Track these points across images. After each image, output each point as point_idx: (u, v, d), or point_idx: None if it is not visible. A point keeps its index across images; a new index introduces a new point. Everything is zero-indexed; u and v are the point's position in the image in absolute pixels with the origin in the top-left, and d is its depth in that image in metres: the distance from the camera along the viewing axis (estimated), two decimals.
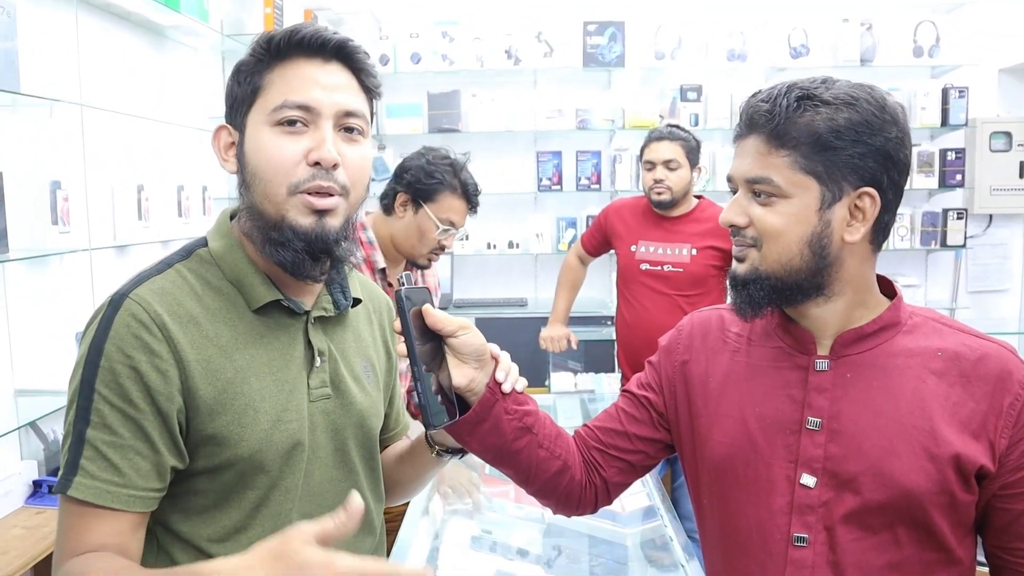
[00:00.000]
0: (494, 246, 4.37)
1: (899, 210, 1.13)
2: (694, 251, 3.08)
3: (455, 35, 4.19)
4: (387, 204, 2.29)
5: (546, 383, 3.65)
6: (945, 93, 4.12)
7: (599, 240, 3.38)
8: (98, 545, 0.96)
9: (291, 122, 1.04)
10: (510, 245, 4.39)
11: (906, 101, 4.12)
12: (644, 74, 4.33)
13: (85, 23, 2.75)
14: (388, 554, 1.63)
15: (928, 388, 1.08)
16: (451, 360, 1.11)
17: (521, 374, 1.17)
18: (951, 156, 4.15)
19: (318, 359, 1.13)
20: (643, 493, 2.36)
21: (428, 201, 2.21)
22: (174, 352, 1.01)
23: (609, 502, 1.30)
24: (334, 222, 1.06)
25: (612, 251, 3.38)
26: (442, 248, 2.27)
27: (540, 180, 4.33)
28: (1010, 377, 1.07)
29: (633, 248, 3.18)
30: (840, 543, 1.08)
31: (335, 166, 1.04)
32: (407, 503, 2.15)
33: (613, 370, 3.76)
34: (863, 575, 1.07)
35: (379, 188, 2.38)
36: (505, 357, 1.15)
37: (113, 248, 2.90)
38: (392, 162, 4.22)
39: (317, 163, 1.04)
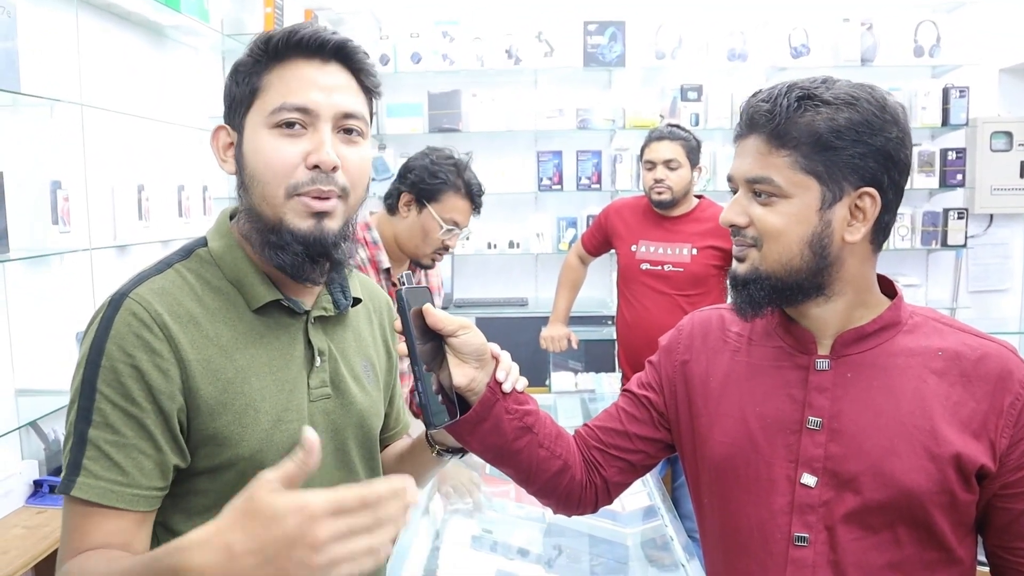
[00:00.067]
0: (495, 246, 4.37)
1: (900, 210, 1.13)
2: (694, 251, 3.07)
3: (455, 35, 4.19)
4: (391, 204, 2.29)
5: (547, 383, 3.65)
6: (946, 93, 4.12)
7: (599, 240, 3.38)
8: (101, 544, 0.96)
9: (289, 124, 1.03)
10: (511, 245, 4.39)
11: (907, 101, 4.12)
12: (644, 74, 4.33)
13: (85, 23, 2.75)
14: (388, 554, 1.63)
15: (929, 388, 1.08)
16: (452, 360, 1.11)
17: (522, 374, 1.17)
18: (952, 156, 4.15)
19: (318, 359, 1.12)
20: (644, 493, 2.36)
21: (432, 201, 2.21)
22: (175, 351, 1.01)
23: (609, 502, 1.30)
24: (332, 225, 1.06)
25: (612, 251, 3.38)
26: (446, 248, 2.27)
27: (540, 180, 4.34)
28: (1011, 376, 1.07)
29: (633, 248, 3.18)
30: (841, 543, 1.08)
31: (334, 169, 1.04)
32: None
33: (613, 370, 3.76)
34: (864, 575, 1.07)
35: (380, 188, 2.38)
36: (505, 357, 1.15)
37: (113, 248, 2.90)
38: (392, 162, 4.23)
39: (316, 166, 1.03)
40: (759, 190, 1.08)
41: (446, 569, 2.03)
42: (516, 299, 4.40)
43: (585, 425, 1.31)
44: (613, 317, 3.58)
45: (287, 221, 1.04)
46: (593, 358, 3.96)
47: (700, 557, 1.47)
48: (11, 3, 2.20)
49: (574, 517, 1.36)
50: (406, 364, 1.09)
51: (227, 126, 1.10)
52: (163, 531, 1.05)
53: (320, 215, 1.05)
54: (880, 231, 1.10)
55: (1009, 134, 4.13)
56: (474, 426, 1.12)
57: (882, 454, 1.06)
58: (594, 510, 1.30)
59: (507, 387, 1.13)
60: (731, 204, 1.12)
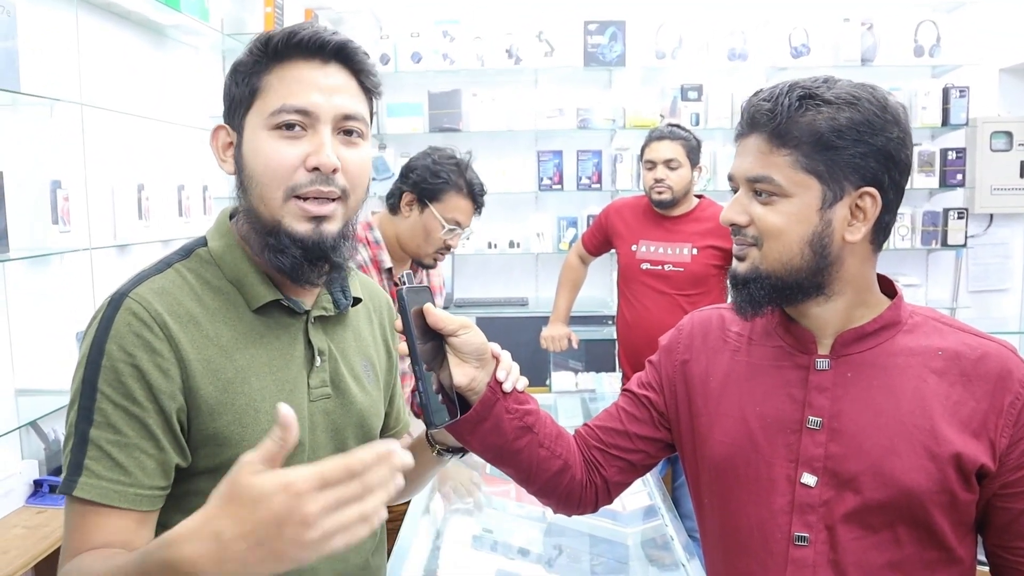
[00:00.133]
0: (495, 245, 4.37)
1: (900, 210, 1.13)
2: (695, 251, 3.07)
3: (456, 34, 4.19)
4: (393, 203, 2.30)
5: (547, 382, 3.65)
6: (946, 93, 4.12)
7: (600, 239, 3.38)
8: (103, 544, 0.96)
9: (289, 126, 1.03)
10: (511, 244, 4.39)
11: (907, 101, 4.12)
12: (645, 73, 4.33)
13: (85, 22, 2.75)
14: (389, 553, 1.63)
15: (929, 387, 1.08)
16: (452, 359, 1.11)
17: (522, 373, 1.17)
18: (952, 156, 4.15)
19: (318, 359, 1.12)
20: (644, 492, 2.36)
21: (434, 201, 2.22)
22: (175, 351, 1.01)
23: (609, 501, 1.30)
24: (331, 228, 1.06)
25: (613, 251, 3.38)
26: (448, 248, 2.28)
27: (541, 179, 4.34)
28: (1010, 376, 1.07)
29: (634, 247, 3.18)
30: (841, 542, 1.08)
31: (334, 171, 1.04)
32: (408, 502, 2.15)
33: (614, 369, 3.76)
34: (864, 574, 1.07)
35: (380, 187, 2.39)
36: (506, 356, 1.15)
37: (114, 247, 2.90)
38: (393, 161, 4.23)
39: (316, 168, 1.03)
40: (760, 189, 1.08)
41: (446, 568, 2.03)
42: (516, 299, 4.40)
43: (585, 425, 1.31)
44: (613, 317, 3.58)
45: (285, 224, 1.04)
46: (593, 358, 3.96)
47: (700, 557, 1.47)
48: (11, 2, 2.20)
49: (574, 517, 1.37)
50: (407, 364, 1.09)
51: (226, 126, 1.09)
52: (164, 531, 1.05)
53: (319, 219, 1.05)
54: (880, 231, 1.10)
55: (1009, 134, 4.13)
56: (474, 426, 1.12)
57: (882, 454, 1.06)
58: (594, 510, 1.30)
59: (507, 387, 1.13)
60: (732, 203, 1.12)
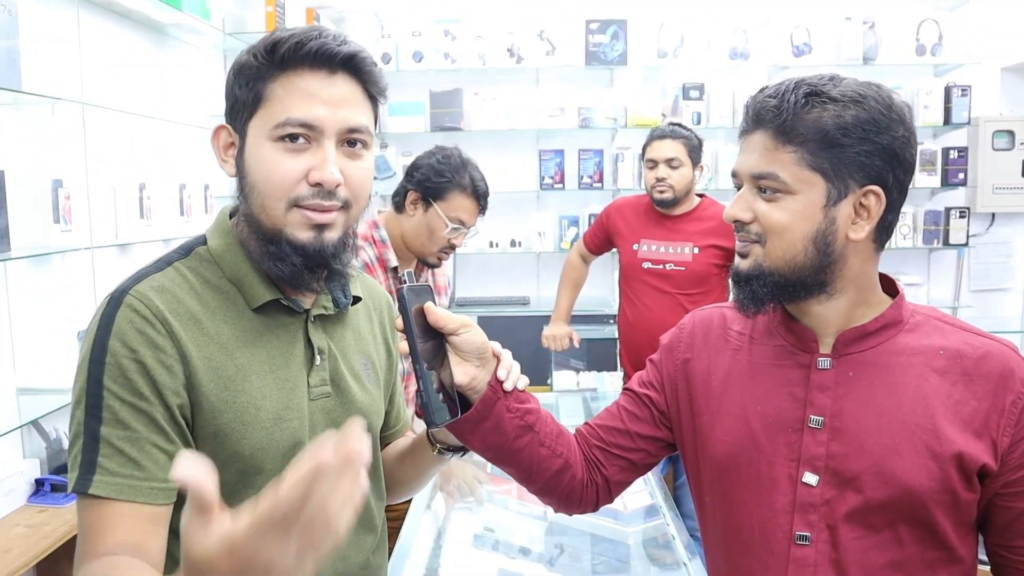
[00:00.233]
0: (496, 244, 4.37)
1: (901, 208, 1.13)
2: (696, 250, 3.07)
3: (457, 33, 4.19)
4: (398, 202, 2.30)
5: (548, 381, 3.65)
6: (948, 91, 4.12)
7: (601, 239, 3.38)
8: (119, 544, 0.95)
9: (293, 137, 1.03)
10: (512, 244, 4.39)
11: (909, 99, 4.08)
12: (646, 72, 4.33)
13: (87, 21, 2.75)
14: (390, 553, 1.63)
15: (930, 386, 1.08)
16: (453, 358, 1.11)
17: (523, 372, 1.16)
18: (954, 155, 4.15)
19: (318, 357, 1.12)
20: (645, 491, 2.36)
21: (438, 199, 2.22)
22: (178, 348, 1.01)
23: (610, 500, 1.30)
24: (332, 235, 1.06)
25: (614, 250, 3.38)
26: (452, 247, 2.28)
27: (542, 178, 4.33)
28: (1012, 375, 1.06)
29: (635, 247, 3.18)
30: (842, 541, 1.08)
31: (337, 186, 1.04)
32: (409, 501, 2.15)
33: (615, 368, 3.76)
34: (865, 574, 1.07)
35: (381, 186, 2.38)
36: (507, 355, 1.15)
37: (115, 247, 2.91)
38: (393, 161, 4.22)
39: (319, 183, 1.03)
40: (764, 186, 1.08)
41: (448, 567, 2.02)
42: (518, 298, 4.40)
43: (586, 424, 1.31)
44: (615, 316, 3.58)
45: (287, 232, 1.04)
46: (595, 357, 3.95)
47: (702, 556, 1.47)
48: (12, 1, 2.20)
49: (575, 516, 1.36)
50: (409, 364, 1.09)
51: (228, 126, 1.09)
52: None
53: (321, 227, 1.05)
54: (883, 230, 1.10)
55: (1011, 133, 4.12)
56: (475, 425, 1.12)
57: (884, 453, 1.06)
58: (595, 509, 1.30)
59: (508, 386, 1.13)
60: (735, 200, 1.12)
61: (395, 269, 2.27)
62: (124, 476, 0.97)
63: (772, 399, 1.14)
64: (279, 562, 0.63)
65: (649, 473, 1.56)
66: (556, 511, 1.31)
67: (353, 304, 1.20)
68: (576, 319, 3.58)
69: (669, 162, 3.05)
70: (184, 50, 3.49)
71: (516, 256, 4.48)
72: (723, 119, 4.19)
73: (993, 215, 4.30)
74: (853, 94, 1.05)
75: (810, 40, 4.13)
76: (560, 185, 4.34)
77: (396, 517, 2.03)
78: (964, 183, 4.16)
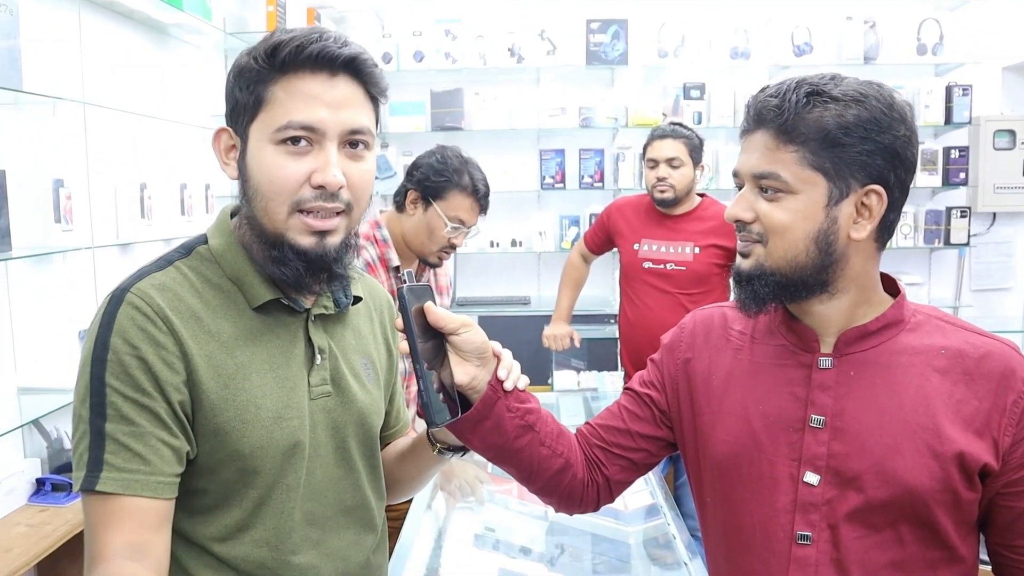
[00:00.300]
0: (497, 244, 4.37)
1: (903, 208, 1.13)
2: (697, 249, 3.07)
3: (458, 33, 4.19)
4: (399, 202, 2.30)
5: (549, 381, 3.65)
6: (949, 91, 4.12)
7: (602, 238, 3.38)
8: (127, 543, 0.96)
9: (295, 140, 1.03)
10: (513, 243, 4.39)
11: (910, 99, 4.08)
12: (647, 72, 4.33)
13: (88, 21, 2.75)
14: (391, 552, 1.63)
15: (932, 386, 1.08)
16: (453, 358, 1.11)
17: (524, 372, 1.16)
18: (955, 154, 4.15)
19: (318, 357, 1.13)
20: (646, 491, 2.36)
21: (437, 199, 2.22)
22: (179, 345, 1.01)
23: (611, 500, 1.30)
24: (334, 240, 1.06)
25: (615, 249, 3.38)
26: (452, 246, 2.28)
27: (543, 178, 4.33)
28: (1013, 375, 1.06)
29: (636, 246, 3.18)
30: (843, 541, 1.08)
31: (340, 188, 1.04)
32: (410, 500, 2.15)
33: (616, 368, 3.76)
34: (866, 573, 1.07)
35: (382, 186, 2.38)
36: (507, 355, 1.15)
37: (116, 246, 2.91)
38: (394, 160, 4.22)
39: (321, 186, 1.03)
40: (765, 186, 1.08)
41: (448, 567, 2.02)
42: (518, 298, 4.40)
43: (587, 423, 1.31)
44: (615, 316, 3.57)
45: (289, 237, 1.05)
46: (595, 356, 3.95)
47: (702, 556, 1.47)
48: (13, 1, 2.20)
49: (576, 516, 1.36)
50: (409, 364, 1.09)
51: (229, 129, 1.09)
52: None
53: (322, 233, 1.05)
54: (885, 229, 1.10)
55: (1012, 132, 4.12)
56: (475, 424, 1.12)
57: (885, 452, 1.06)
58: (596, 509, 1.30)
59: (508, 385, 1.13)
60: (737, 199, 1.12)
61: (397, 268, 2.27)
62: (131, 471, 0.97)
63: (773, 398, 1.14)
64: None
65: (650, 473, 1.55)
66: (557, 511, 1.31)
67: (354, 304, 1.20)
68: (577, 319, 3.58)
69: (670, 162, 3.04)
70: (185, 50, 3.49)
71: (517, 256, 4.48)
72: (724, 119, 4.19)
73: (994, 215, 4.30)
74: (854, 93, 1.05)
75: (811, 40, 4.13)
76: (561, 185, 4.34)
77: (397, 517, 2.03)
78: (965, 183, 4.16)
